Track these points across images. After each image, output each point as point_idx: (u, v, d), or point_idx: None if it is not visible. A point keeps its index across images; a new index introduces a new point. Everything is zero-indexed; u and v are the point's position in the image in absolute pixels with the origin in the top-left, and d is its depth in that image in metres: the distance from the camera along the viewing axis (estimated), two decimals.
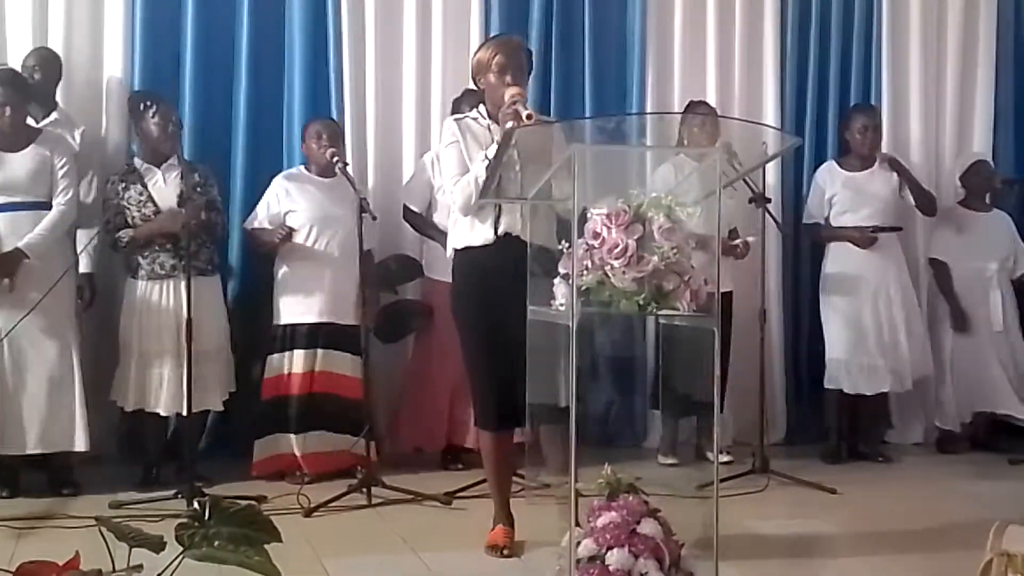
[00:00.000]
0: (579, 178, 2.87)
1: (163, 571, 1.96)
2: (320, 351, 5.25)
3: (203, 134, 5.55)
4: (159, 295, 5.01)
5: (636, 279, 2.85)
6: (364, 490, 4.68)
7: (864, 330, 5.80)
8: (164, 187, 5.02)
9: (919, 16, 6.50)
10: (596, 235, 2.92)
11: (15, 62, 5.17)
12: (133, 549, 2.02)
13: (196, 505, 2.10)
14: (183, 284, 4.84)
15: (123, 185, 5.06)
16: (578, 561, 2.88)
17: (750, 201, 5.37)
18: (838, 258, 5.91)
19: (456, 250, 3.96)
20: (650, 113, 5.96)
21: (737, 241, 5.53)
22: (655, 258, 2.85)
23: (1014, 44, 6.70)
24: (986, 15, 6.59)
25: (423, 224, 5.56)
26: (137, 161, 5.15)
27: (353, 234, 4.92)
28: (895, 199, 5.93)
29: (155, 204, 5.01)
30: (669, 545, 2.92)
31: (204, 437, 5.26)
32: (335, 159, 5.06)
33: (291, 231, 5.22)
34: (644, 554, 2.86)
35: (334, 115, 5.69)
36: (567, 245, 2.95)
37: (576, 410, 2.84)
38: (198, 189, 5.05)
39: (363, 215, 4.80)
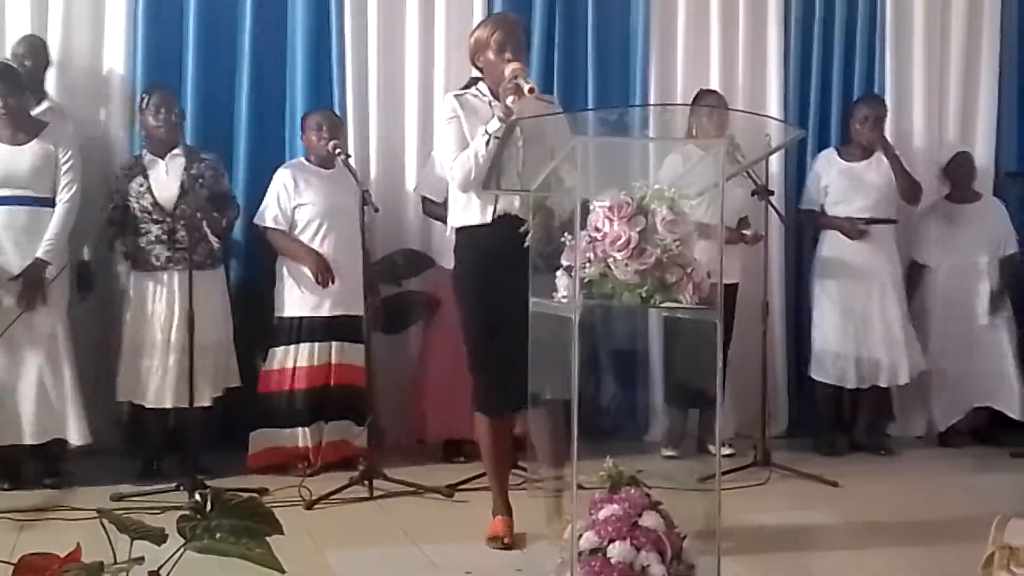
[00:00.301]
0: (582, 170, 2.86)
1: (164, 563, 1.96)
2: (335, 343, 5.24)
3: (205, 125, 5.53)
4: (154, 288, 5.01)
5: (639, 271, 2.84)
6: (366, 482, 4.67)
7: (856, 322, 5.81)
8: (166, 178, 5.02)
9: (923, 7, 6.48)
10: (598, 228, 2.91)
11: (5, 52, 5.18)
12: (134, 541, 2.02)
13: (197, 497, 2.10)
14: (176, 277, 4.85)
15: (127, 178, 5.06)
16: (580, 554, 2.88)
17: (753, 193, 5.36)
18: (833, 245, 5.92)
19: (455, 229, 3.95)
20: (657, 105, 5.94)
21: (747, 230, 5.53)
22: (658, 250, 2.84)
23: (1018, 36, 6.67)
24: (990, 6, 6.56)
25: (439, 211, 5.56)
26: (144, 153, 5.15)
27: (352, 224, 4.91)
28: (890, 191, 5.92)
29: (153, 196, 5.00)
30: (671, 538, 2.92)
31: (204, 430, 5.24)
32: (337, 151, 5.05)
33: (331, 277, 5.20)
34: (646, 547, 2.86)
35: (336, 106, 5.67)
36: (570, 237, 2.94)
37: (578, 402, 2.83)
38: (201, 180, 5.05)
39: (365, 207, 4.79)
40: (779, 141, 3.98)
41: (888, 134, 6.10)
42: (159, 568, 1.96)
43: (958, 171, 6.20)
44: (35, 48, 5.18)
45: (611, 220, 2.88)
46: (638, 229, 2.85)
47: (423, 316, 5.59)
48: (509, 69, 3.73)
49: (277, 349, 5.26)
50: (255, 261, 5.57)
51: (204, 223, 4.96)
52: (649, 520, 2.91)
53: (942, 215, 6.20)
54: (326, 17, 5.76)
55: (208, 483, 4.56)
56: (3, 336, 4.63)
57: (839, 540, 4.19)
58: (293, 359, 5.25)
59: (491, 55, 3.90)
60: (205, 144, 5.37)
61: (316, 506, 4.50)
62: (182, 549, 1.98)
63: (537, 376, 3.29)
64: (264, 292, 5.39)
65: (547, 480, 3.76)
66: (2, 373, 4.71)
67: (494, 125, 3.70)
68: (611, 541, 2.87)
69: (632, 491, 2.98)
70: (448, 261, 5.32)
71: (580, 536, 2.91)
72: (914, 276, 6.18)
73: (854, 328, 5.81)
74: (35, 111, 5.02)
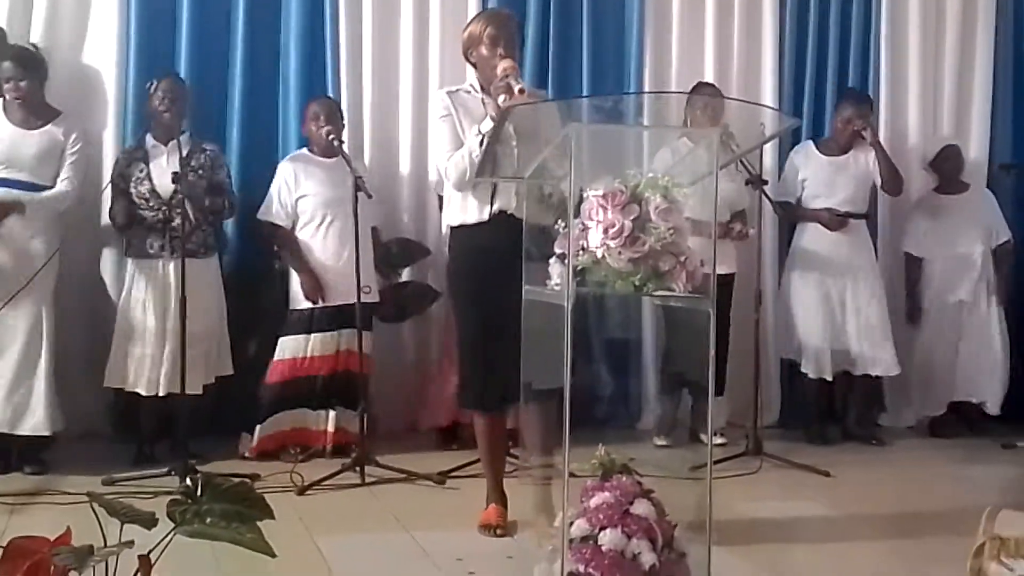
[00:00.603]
0: (575, 158, 2.85)
1: (155, 547, 1.96)
2: (344, 331, 5.23)
3: (198, 114, 5.49)
4: (147, 275, 4.99)
5: (632, 260, 2.83)
6: (357, 469, 4.68)
7: (832, 313, 5.81)
8: (166, 166, 4.99)
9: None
10: (592, 216, 2.90)
11: None
12: (125, 525, 2.02)
13: (188, 482, 2.09)
14: (171, 264, 4.84)
15: (128, 161, 5.06)
16: (571, 541, 2.88)
17: (747, 183, 5.37)
18: (811, 238, 5.91)
19: (451, 227, 3.94)
20: (650, 92, 5.94)
21: (736, 225, 5.52)
22: (651, 239, 2.83)
23: (1013, 29, 6.68)
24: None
25: None
26: (148, 139, 5.13)
27: (363, 214, 4.91)
28: (868, 186, 5.93)
29: (151, 182, 4.99)
30: (662, 526, 2.91)
31: (196, 416, 5.22)
32: (331, 137, 5.05)
33: (321, 295, 5.23)
34: (637, 534, 2.85)
35: (330, 94, 5.65)
36: (563, 225, 2.93)
37: (570, 391, 2.83)
38: (201, 171, 5.06)
39: (358, 193, 4.78)
40: (773, 130, 3.96)
41: (882, 127, 6.10)
42: (149, 552, 1.96)
43: (945, 164, 6.21)
44: None
45: (605, 208, 2.87)
46: (632, 217, 2.85)
47: (423, 305, 5.59)
48: (500, 68, 3.72)
49: (287, 339, 5.26)
50: (250, 251, 5.55)
51: (202, 212, 5.00)
52: (640, 508, 2.91)
53: (931, 207, 6.21)
54: (320, 5, 5.75)
55: (200, 468, 4.56)
56: None
57: (830, 530, 4.20)
58: (304, 350, 5.24)
59: (484, 51, 3.89)
60: (198, 133, 5.36)
61: (308, 492, 4.50)
62: (172, 533, 1.97)
63: (530, 364, 3.28)
64: (259, 282, 5.38)
65: (537, 469, 3.77)
66: None
67: (487, 125, 3.69)
68: (602, 529, 2.87)
69: (624, 479, 2.98)
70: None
71: (571, 524, 2.91)
72: (911, 269, 6.19)
73: (832, 320, 5.82)
74: None
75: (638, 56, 6.16)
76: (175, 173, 4.83)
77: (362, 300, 4.92)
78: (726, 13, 6.31)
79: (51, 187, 4.81)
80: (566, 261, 2.87)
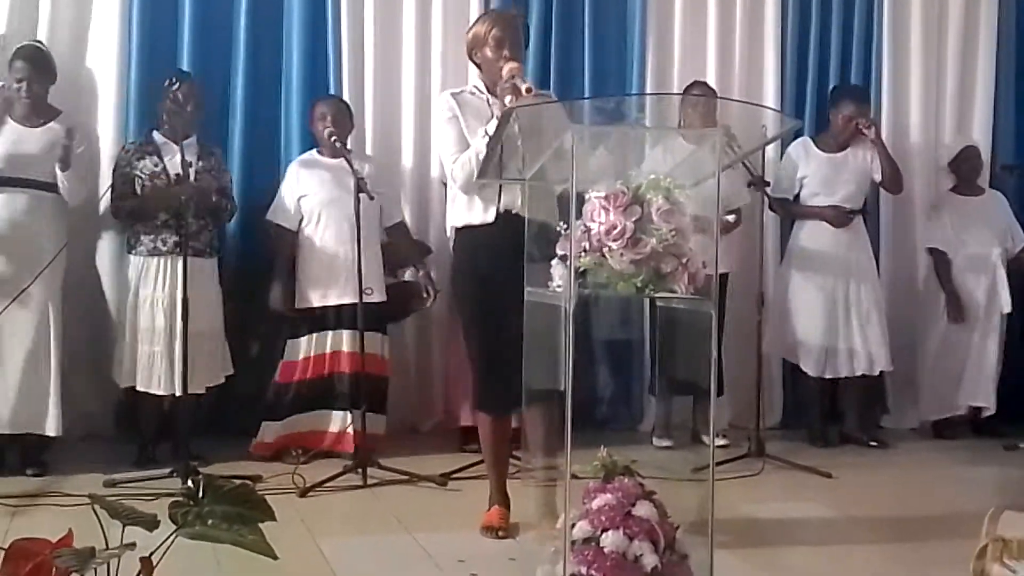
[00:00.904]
0: (577, 159, 2.85)
1: (156, 549, 1.95)
2: (345, 332, 5.23)
3: (205, 111, 5.51)
4: (156, 272, 4.99)
5: (634, 261, 2.83)
6: (359, 470, 4.67)
7: (832, 312, 5.80)
8: (181, 163, 4.98)
9: None
10: (593, 217, 2.90)
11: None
12: (126, 527, 2.01)
13: (190, 484, 2.09)
14: (179, 262, 4.84)
15: (138, 155, 5.04)
16: (573, 543, 2.88)
17: (749, 184, 5.36)
18: (810, 235, 5.88)
19: (456, 228, 3.93)
20: (643, 94, 5.94)
21: (729, 217, 5.51)
22: (653, 240, 2.83)
23: (1015, 29, 6.67)
24: None
25: None
26: (156, 135, 5.12)
27: (369, 213, 4.91)
28: (867, 182, 5.91)
29: (167, 177, 4.98)
30: (664, 527, 2.91)
31: (198, 417, 5.22)
32: (332, 138, 5.05)
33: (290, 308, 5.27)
34: (639, 536, 2.85)
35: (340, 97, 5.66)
36: (565, 227, 2.93)
37: (571, 392, 2.83)
38: (211, 172, 5.08)
39: (360, 195, 4.78)
40: (775, 131, 3.96)
41: (884, 127, 6.10)
42: (151, 554, 1.96)
43: (964, 165, 6.19)
44: None
45: (607, 209, 2.87)
46: (634, 219, 2.84)
47: (420, 306, 5.59)
48: (506, 69, 3.70)
49: (295, 339, 5.27)
50: (250, 252, 5.55)
51: (210, 212, 5.03)
52: (642, 510, 2.90)
53: (954, 207, 6.18)
54: (322, 6, 5.74)
55: (202, 470, 4.56)
56: None
57: (832, 531, 4.20)
58: (312, 349, 5.25)
59: (488, 52, 3.87)
60: (200, 133, 5.35)
61: (310, 494, 4.50)
62: (174, 535, 1.97)
63: (531, 366, 3.28)
64: (256, 283, 5.38)
65: (540, 470, 3.76)
66: None
67: (493, 126, 3.65)
68: (604, 530, 2.87)
69: (626, 481, 2.98)
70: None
71: (573, 525, 2.91)
72: (941, 265, 6.13)
73: (833, 318, 5.80)
74: None
75: (640, 57, 6.16)
76: (176, 174, 4.83)
77: (367, 300, 4.92)
78: (728, 13, 6.31)
79: (53, 184, 4.81)
80: (567, 263, 2.87)
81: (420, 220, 5.82)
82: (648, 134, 3.58)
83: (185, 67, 5.49)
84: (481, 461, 4.28)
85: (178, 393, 4.86)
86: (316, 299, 5.26)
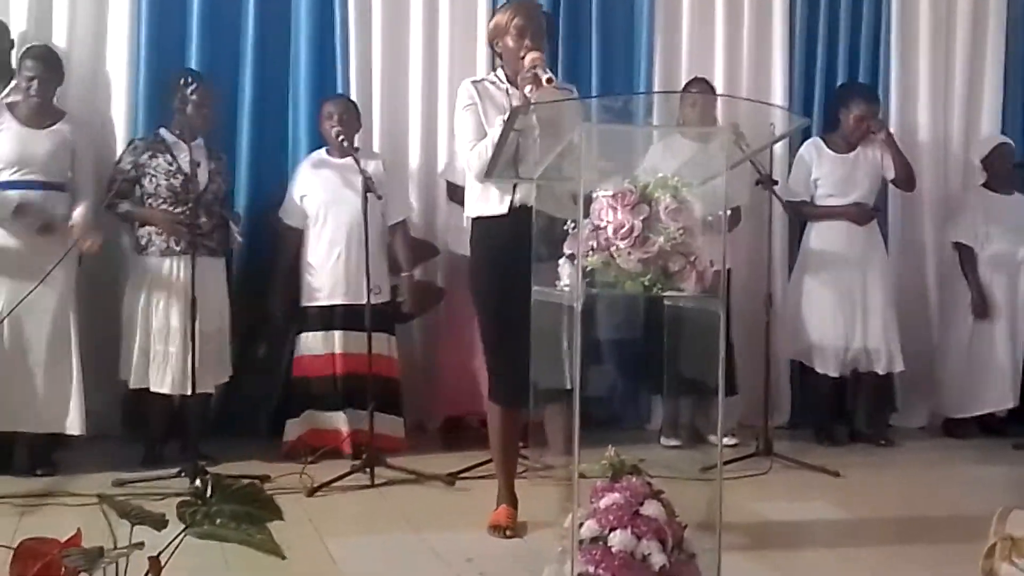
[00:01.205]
0: (584, 157, 2.84)
1: (164, 548, 1.96)
2: (339, 332, 5.24)
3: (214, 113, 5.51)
4: (168, 272, 4.99)
5: (642, 260, 2.83)
6: (367, 470, 4.67)
7: (847, 311, 5.78)
8: (192, 162, 4.97)
9: None
10: (601, 216, 2.90)
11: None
12: (135, 526, 2.02)
13: (198, 483, 2.09)
14: (190, 262, 4.85)
15: (149, 153, 5.03)
16: (580, 542, 2.88)
17: (757, 182, 5.35)
18: (822, 236, 5.86)
19: (471, 219, 3.90)
20: (643, 93, 5.94)
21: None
22: (661, 239, 2.83)
23: (1023, 28, 6.66)
24: None
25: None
26: (165, 133, 5.12)
27: (373, 213, 4.91)
28: (879, 181, 5.90)
29: (184, 175, 4.95)
30: (672, 527, 2.91)
31: (206, 416, 5.22)
32: (340, 138, 5.05)
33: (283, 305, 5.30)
34: (647, 535, 2.85)
35: (341, 93, 5.66)
36: (573, 225, 2.93)
37: (579, 391, 2.83)
38: (221, 174, 5.11)
39: (368, 194, 4.78)
40: (783, 129, 3.95)
41: (892, 125, 6.08)
42: (159, 553, 1.96)
43: (999, 161, 6.15)
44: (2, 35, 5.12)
45: (615, 208, 2.87)
46: (641, 218, 2.84)
47: (431, 305, 5.58)
48: (528, 58, 3.65)
49: (302, 336, 5.29)
50: (258, 252, 5.55)
51: (222, 214, 5.05)
52: (650, 509, 2.90)
53: (981, 202, 6.16)
54: (330, 5, 5.74)
55: (210, 469, 4.57)
56: (10, 321, 4.63)
57: (840, 531, 4.19)
58: (315, 347, 5.27)
59: (510, 41, 3.82)
60: (208, 132, 5.36)
61: (317, 493, 4.50)
62: (182, 534, 1.97)
63: (540, 365, 3.28)
64: (265, 284, 5.39)
65: (560, 469, 3.74)
66: (6, 357, 4.69)
67: None
68: (612, 530, 2.87)
69: (634, 480, 2.98)
70: (461, 247, 5.42)
71: (581, 524, 2.91)
72: (967, 259, 6.08)
73: (851, 317, 5.79)
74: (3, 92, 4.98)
75: (648, 55, 6.15)
76: (209, 172, 4.87)
77: (373, 301, 4.92)
78: (736, 11, 6.30)
79: (62, 184, 4.82)
80: (575, 262, 2.87)
81: (428, 221, 5.81)
82: (652, 133, 3.58)
83: (193, 67, 5.49)
84: (488, 460, 4.28)
85: (188, 392, 4.86)
86: (320, 298, 5.27)
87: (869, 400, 5.98)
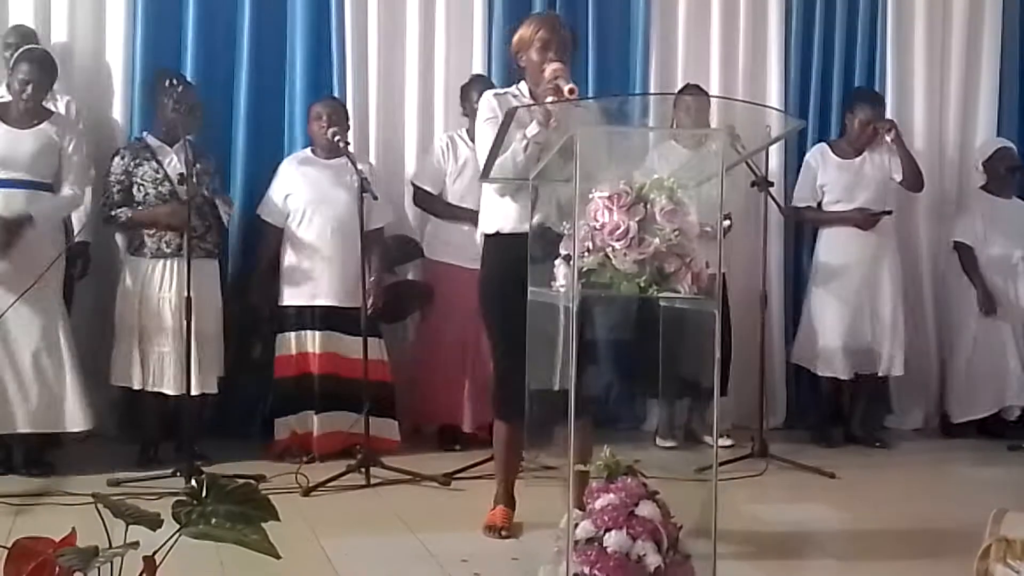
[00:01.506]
0: (579, 159, 2.85)
1: (159, 548, 1.96)
2: (319, 333, 5.25)
3: (204, 116, 5.46)
4: (161, 274, 4.99)
5: (637, 261, 2.83)
6: (363, 470, 4.67)
7: (856, 314, 5.80)
8: (177, 167, 4.99)
9: (924, 0, 6.46)
10: (597, 217, 2.91)
11: None
12: (130, 526, 2.02)
13: (193, 483, 2.09)
14: (182, 264, 4.86)
15: (135, 161, 5.04)
16: (576, 543, 2.88)
17: (752, 184, 5.36)
18: (832, 245, 5.89)
19: (486, 235, 3.85)
20: (636, 95, 5.93)
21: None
22: (656, 240, 2.83)
23: (1019, 31, 6.67)
24: (991, 0, 6.55)
25: (436, 204, 5.55)
26: (149, 138, 5.13)
27: (355, 215, 4.90)
28: (887, 184, 5.91)
29: (171, 183, 4.98)
30: (667, 527, 2.91)
31: (202, 416, 5.21)
32: (336, 138, 5.05)
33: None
34: (642, 536, 2.85)
35: (336, 95, 5.66)
36: (568, 226, 2.93)
37: (575, 392, 2.83)
38: (208, 174, 5.08)
39: (364, 195, 4.78)
40: (779, 132, 3.94)
41: None
42: (154, 553, 1.96)
43: (999, 164, 6.17)
44: (25, 38, 5.15)
45: (610, 209, 2.87)
46: (637, 219, 2.85)
47: (420, 306, 5.58)
48: (549, 70, 3.60)
49: (281, 336, 5.29)
50: (251, 252, 5.55)
51: (214, 214, 5.03)
52: (645, 510, 2.91)
53: (979, 204, 6.18)
54: (326, 7, 5.75)
55: (205, 469, 4.56)
56: None
57: (836, 532, 4.20)
58: (295, 346, 5.27)
59: (534, 55, 3.77)
60: (203, 135, 5.34)
61: (313, 493, 4.49)
62: (177, 534, 1.97)
63: (535, 365, 3.28)
64: (259, 282, 5.39)
65: (561, 469, 3.72)
66: None
67: (533, 129, 3.54)
68: (607, 530, 2.87)
69: (629, 481, 2.98)
70: (438, 254, 5.48)
71: (576, 525, 2.91)
72: (967, 258, 6.10)
73: (862, 320, 5.80)
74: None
75: (643, 58, 6.16)
76: (181, 174, 4.84)
77: (347, 305, 5.02)
78: (732, 15, 6.31)
79: (48, 183, 4.81)
80: (571, 262, 2.87)
81: (421, 222, 5.81)
82: (648, 136, 3.57)
83: (189, 70, 5.52)
84: (483, 461, 4.27)
85: (188, 392, 4.85)
86: (301, 298, 5.27)
87: (864, 402, 5.99)
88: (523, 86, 3.90)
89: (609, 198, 2.88)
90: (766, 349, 5.60)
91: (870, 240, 5.83)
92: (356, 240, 4.94)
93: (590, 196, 2.90)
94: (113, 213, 5.02)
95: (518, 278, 3.56)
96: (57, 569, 1.91)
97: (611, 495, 2.94)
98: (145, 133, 5.17)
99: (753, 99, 6.12)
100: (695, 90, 5.74)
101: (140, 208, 5.02)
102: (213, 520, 2.01)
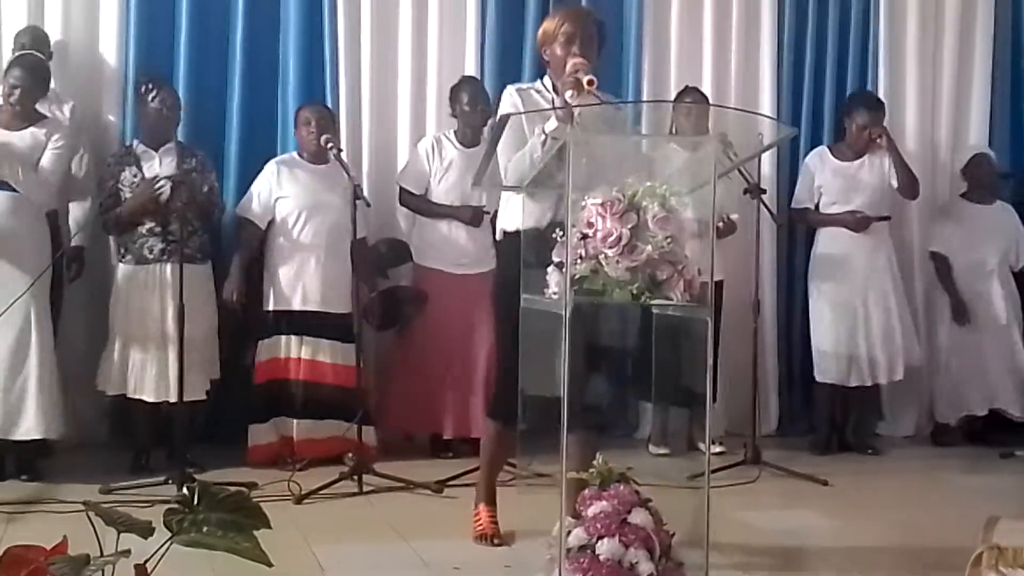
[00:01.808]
0: (570, 166, 2.85)
1: (151, 556, 1.95)
2: (317, 340, 5.24)
3: (197, 118, 5.48)
4: (145, 280, 4.98)
5: (630, 268, 2.84)
6: (355, 478, 4.67)
7: (855, 319, 5.80)
8: (160, 170, 5.00)
9: (917, 5, 6.48)
10: (590, 224, 2.91)
11: (7, 40, 5.17)
12: (121, 534, 2.01)
13: (185, 491, 2.09)
14: (168, 270, 4.86)
15: (119, 167, 5.05)
16: (568, 550, 2.88)
17: (745, 192, 5.36)
18: (828, 243, 5.91)
19: (505, 232, 3.78)
20: (637, 101, 5.93)
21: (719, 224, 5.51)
22: (649, 247, 2.84)
23: (1011, 36, 6.68)
24: (983, 5, 6.56)
25: (422, 204, 5.55)
26: (136, 143, 5.14)
27: (344, 221, 4.90)
28: (885, 189, 5.92)
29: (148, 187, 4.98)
30: (659, 535, 2.91)
31: (193, 424, 5.20)
32: (328, 144, 5.04)
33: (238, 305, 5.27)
34: (634, 544, 2.85)
35: (328, 100, 5.66)
36: (561, 233, 2.93)
37: (568, 399, 2.83)
38: (193, 175, 5.04)
39: (357, 201, 4.78)
40: (771, 139, 3.95)
41: None
42: (146, 561, 1.95)
43: (976, 171, 6.19)
44: (39, 40, 5.17)
45: (603, 216, 2.87)
46: (629, 226, 2.85)
47: (413, 312, 5.57)
48: (571, 64, 3.53)
49: (265, 341, 5.28)
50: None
51: (198, 216, 4.98)
52: (638, 517, 2.91)
53: (958, 212, 6.19)
54: (319, 11, 5.75)
55: (198, 477, 4.55)
56: None
57: (828, 539, 4.20)
58: (279, 351, 5.26)
59: (558, 49, 3.68)
60: (196, 137, 5.35)
61: (305, 501, 4.49)
62: (169, 542, 1.97)
63: (528, 373, 3.27)
64: (250, 287, 5.38)
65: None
66: None
67: (552, 124, 3.44)
68: (600, 538, 2.87)
69: (622, 488, 2.98)
70: (427, 259, 5.49)
71: (569, 532, 2.91)
72: (942, 268, 6.13)
73: (856, 326, 5.81)
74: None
75: (636, 63, 6.16)
76: (169, 178, 4.84)
77: (336, 311, 5.04)
78: (724, 19, 6.31)
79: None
80: (564, 270, 2.87)
81: (411, 228, 5.80)
82: (644, 143, 3.57)
83: (182, 74, 5.53)
84: (476, 468, 4.26)
85: (171, 400, 4.85)
86: (288, 303, 5.26)
87: (857, 409, 5.99)
88: (547, 80, 3.82)
89: (602, 205, 2.89)
90: (758, 356, 5.60)
91: (864, 243, 5.84)
92: (345, 246, 4.94)
93: (583, 203, 2.91)
94: (105, 218, 5.05)
95: None
96: None
97: (604, 502, 2.94)
98: (135, 141, 5.18)
99: (745, 103, 6.15)
100: (695, 94, 5.75)
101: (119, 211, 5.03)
102: (205, 528, 2.01)
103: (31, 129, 4.81)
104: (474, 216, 5.45)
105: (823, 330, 5.86)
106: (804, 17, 6.41)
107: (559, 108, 3.49)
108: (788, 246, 6.33)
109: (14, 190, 4.73)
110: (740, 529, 4.08)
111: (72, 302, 5.21)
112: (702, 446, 5.27)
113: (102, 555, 1.93)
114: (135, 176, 5.01)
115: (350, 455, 4.77)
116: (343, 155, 5.08)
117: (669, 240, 2.84)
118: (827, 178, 5.91)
